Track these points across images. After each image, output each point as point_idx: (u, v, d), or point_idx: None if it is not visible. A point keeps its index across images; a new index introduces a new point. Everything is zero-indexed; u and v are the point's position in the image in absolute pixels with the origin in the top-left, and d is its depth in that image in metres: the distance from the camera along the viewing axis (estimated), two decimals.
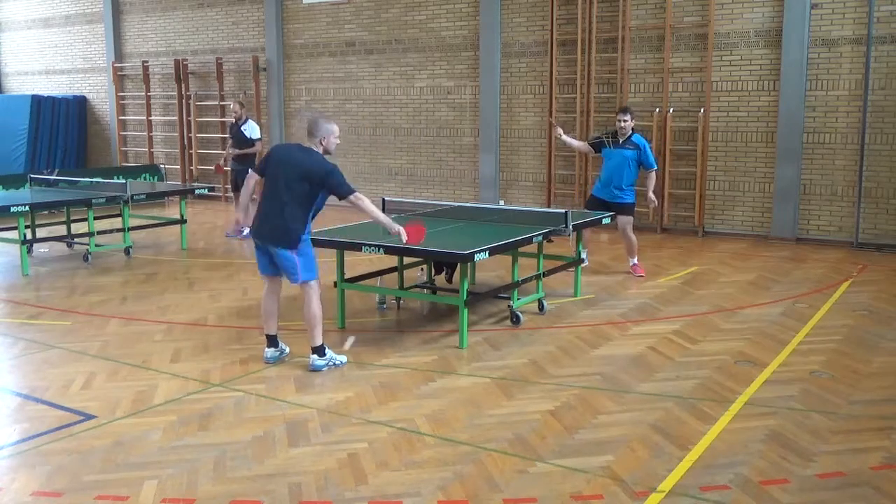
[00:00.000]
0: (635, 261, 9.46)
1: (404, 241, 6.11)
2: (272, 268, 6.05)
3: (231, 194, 15.11)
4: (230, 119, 16.60)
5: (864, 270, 9.67)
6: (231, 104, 12.84)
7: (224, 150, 13.07)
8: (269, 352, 6.25)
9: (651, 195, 9.47)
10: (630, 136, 9.30)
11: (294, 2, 15.96)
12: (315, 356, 6.04)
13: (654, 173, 9.45)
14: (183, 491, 4.17)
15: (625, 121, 9.25)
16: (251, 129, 12.30)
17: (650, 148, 9.50)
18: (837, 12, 11.12)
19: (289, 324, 7.36)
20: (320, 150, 5.95)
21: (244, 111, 12.48)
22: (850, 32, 11.06)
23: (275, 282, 6.15)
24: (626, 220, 9.35)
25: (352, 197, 5.83)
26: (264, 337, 6.30)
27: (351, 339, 6.61)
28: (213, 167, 17.05)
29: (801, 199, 11.62)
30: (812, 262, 10.20)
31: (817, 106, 11.38)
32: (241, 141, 12.31)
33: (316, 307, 5.97)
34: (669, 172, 12.30)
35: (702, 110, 12.02)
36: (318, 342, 6.02)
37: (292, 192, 5.81)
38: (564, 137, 9.90)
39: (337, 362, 6.10)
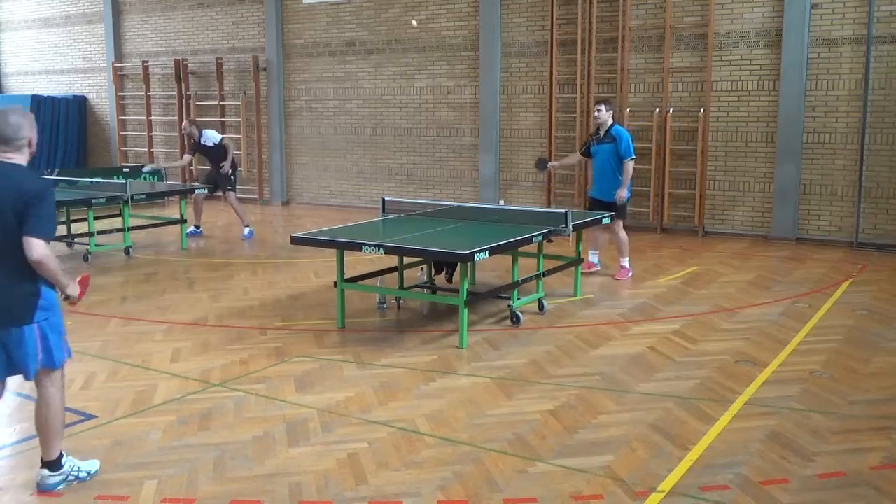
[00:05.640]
0: (624, 262, 9.22)
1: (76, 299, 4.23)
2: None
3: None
4: (230, 119, 16.70)
5: (864, 270, 9.67)
6: (184, 125, 12.38)
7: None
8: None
9: (621, 191, 8.91)
10: (610, 129, 9.03)
11: (294, 2, 15.95)
12: (46, 472, 4.17)
13: (629, 164, 8.93)
14: (183, 491, 4.17)
15: (599, 110, 9.00)
16: (208, 137, 12.02)
17: (629, 138, 9.03)
18: (837, 12, 11.12)
19: (290, 324, 7.36)
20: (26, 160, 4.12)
21: (194, 127, 12.15)
22: (850, 32, 11.06)
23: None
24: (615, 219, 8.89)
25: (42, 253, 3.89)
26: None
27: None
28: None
29: (801, 199, 11.62)
30: (812, 262, 10.20)
31: (817, 106, 11.38)
32: (212, 152, 12.10)
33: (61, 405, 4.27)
34: (669, 172, 12.30)
35: (702, 110, 12.02)
36: (55, 454, 4.20)
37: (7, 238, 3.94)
38: (556, 164, 10.36)
39: (80, 475, 4.25)
